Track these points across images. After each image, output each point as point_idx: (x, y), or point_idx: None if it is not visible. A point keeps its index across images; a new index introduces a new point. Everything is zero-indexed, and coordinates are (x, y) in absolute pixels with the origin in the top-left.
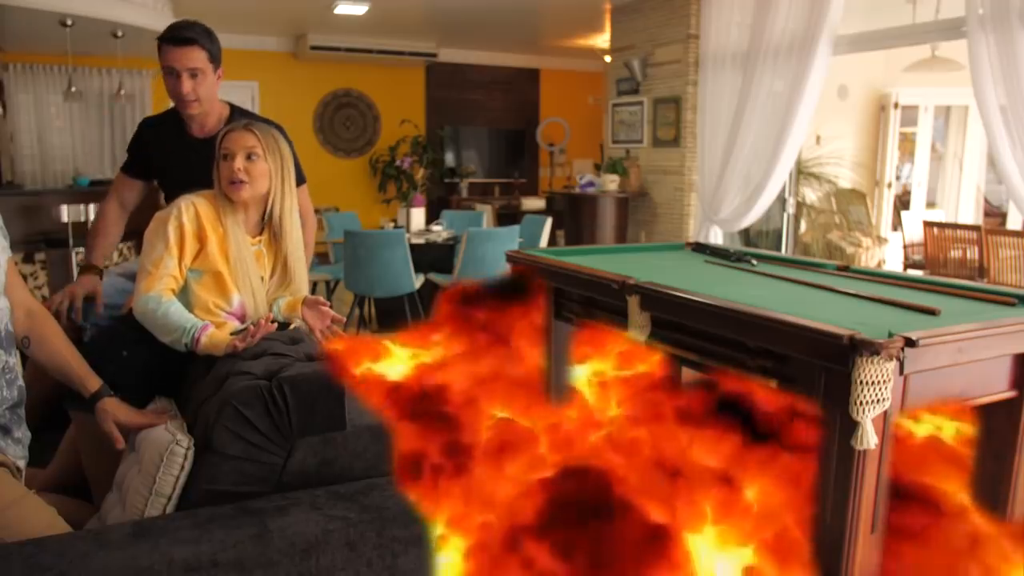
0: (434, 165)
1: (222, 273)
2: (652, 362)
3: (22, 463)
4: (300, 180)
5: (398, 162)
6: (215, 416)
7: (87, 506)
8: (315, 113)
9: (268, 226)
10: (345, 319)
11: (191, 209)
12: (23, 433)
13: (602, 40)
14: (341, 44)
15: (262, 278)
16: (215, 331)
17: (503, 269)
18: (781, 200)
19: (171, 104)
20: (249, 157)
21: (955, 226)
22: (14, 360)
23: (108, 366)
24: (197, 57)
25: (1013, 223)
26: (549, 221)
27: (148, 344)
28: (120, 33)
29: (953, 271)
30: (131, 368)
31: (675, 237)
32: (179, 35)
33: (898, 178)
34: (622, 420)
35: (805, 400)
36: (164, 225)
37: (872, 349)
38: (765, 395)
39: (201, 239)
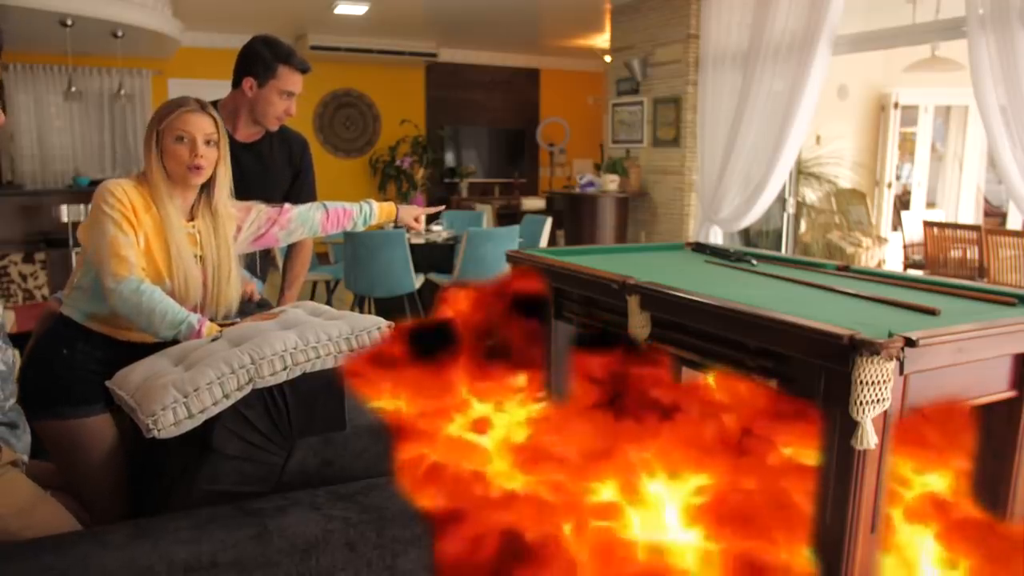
0: (434, 165)
1: (156, 260)
2: None
3: (26, 457)
4: (312, 197)
5: (398, 162)
6: (215, 416)
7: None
8: (315, 113)
9: (203, 208)
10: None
11: (124, 194)
12: (24, 427)
13: (602, 40)
14: (341, 44)
15: (199, 257)
16: (210, 323)
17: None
18: (781, 200)
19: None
20: (207, 143)
21: (955, 226)
22: (12, 353)
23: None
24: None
25: (1013, 223)
26: (549, 221)
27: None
28: (120, 33)
29: (953, 271)
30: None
31: (675, 237)
32: (304, 65)
33: (898, 178)
34: None
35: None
36: (104, 210)
37: (872, 349)
38: None
39: (135, 226)
